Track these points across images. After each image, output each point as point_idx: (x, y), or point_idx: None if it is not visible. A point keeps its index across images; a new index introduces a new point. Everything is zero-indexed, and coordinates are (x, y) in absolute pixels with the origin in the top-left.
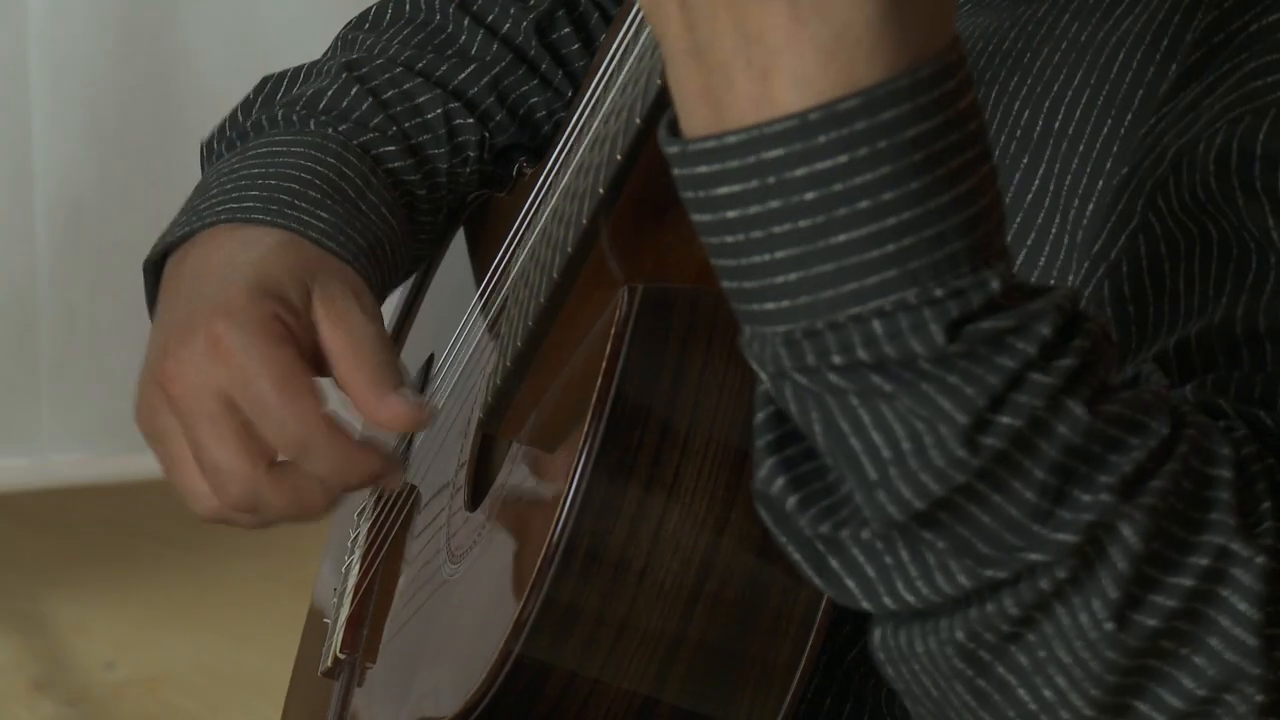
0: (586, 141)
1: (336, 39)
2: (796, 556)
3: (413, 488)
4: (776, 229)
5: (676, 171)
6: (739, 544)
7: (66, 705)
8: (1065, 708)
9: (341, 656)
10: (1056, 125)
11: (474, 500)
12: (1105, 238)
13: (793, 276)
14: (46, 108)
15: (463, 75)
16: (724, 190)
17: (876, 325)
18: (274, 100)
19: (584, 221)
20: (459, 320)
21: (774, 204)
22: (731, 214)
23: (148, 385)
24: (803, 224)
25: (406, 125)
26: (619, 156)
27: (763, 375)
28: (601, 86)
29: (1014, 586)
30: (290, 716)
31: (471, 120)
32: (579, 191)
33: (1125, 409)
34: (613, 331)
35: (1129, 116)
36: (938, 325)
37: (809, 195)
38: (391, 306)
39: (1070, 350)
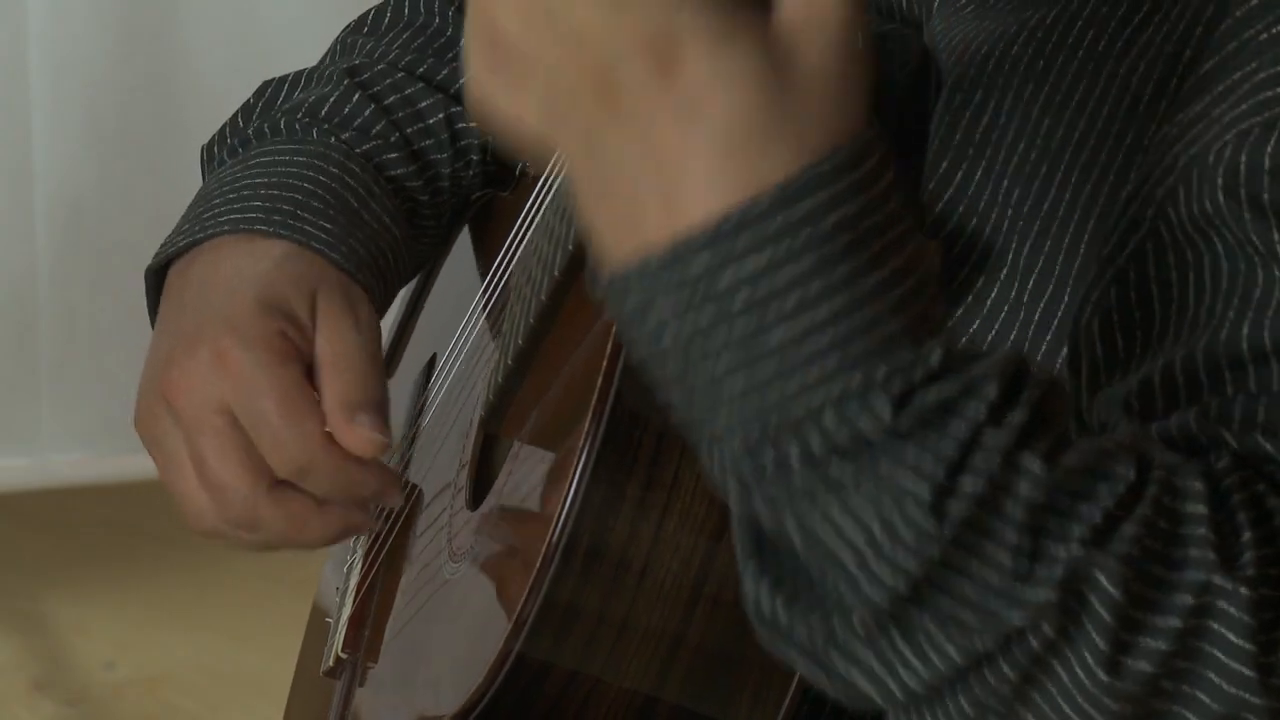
0: None
1: (335, 42)
2: (805, 666)
3: (415, 487)
4: (711, 342)
5: (611, 313)
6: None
7: (66, 705)
8: None
9: (343, 656)
10: (1077, 135)
11: (475, 500)
12: (1114, 243)
13: (739, 384)
14: (46, 108)
15: (464, 79)
16: (655, 316)
17: (827, 417)
18: (274, 106)
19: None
20: (462, 319)
21: (706, 316)
22: (668, 338)
23: (150, 392)
24: (737, 330)
25: (409, 131)
26: None
27: (732, 499)
28: None
29: (1006, 653)
30: (293, 716)
31: (474, 123)
32: None
33: (1085, 458)
34: (613, 331)
35: (1142, 125)
36: (883, 402)
37: (738, 299)
38: (395, 306)
39: (1020, 405)
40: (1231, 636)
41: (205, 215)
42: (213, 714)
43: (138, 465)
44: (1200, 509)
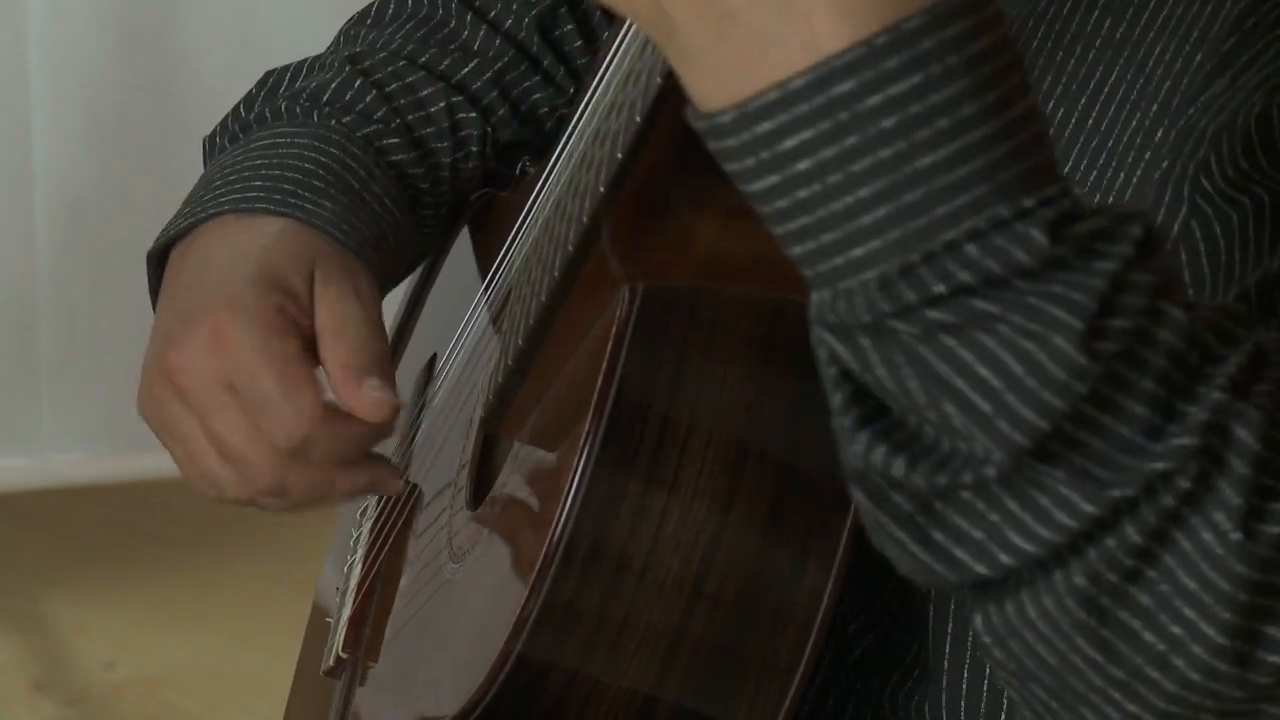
0: (588, 138)
1: (339, 34)
2: (900, 536)
3: (415, 487)
4: (856, 166)
5: (732, 141)
6: (739, 543)
7: (66, 705)
8: (1197, 640)
9: (344, 656)
10: (1090, 123)
11: (475, 499)
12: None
13: (880, 212)
14: (46, 108)
15: (465, 70)
16: (792, 142)
17: (972, 249)
18: (276, 94)
19: (585, 220)
20: (462, 319)
21: (851, 140)
22: (803, 165)
23: (152, 375)
24: (884, 154)
25: (410, 118)
26: (619, 155)
27: (839, 347)
28: (603, 83)
29: (1135, 510)
30: (293, 716)
31: (474, 114)
32: (580, 189)
33: (1218, 316)
34: (613, 331)
35: (1162, 110)
36: (1038, 231)
37: (887, 122)
38: (394, 306)
39: (1160, 251)
40: None
41: (205, 197)
42: (213, 714)
43: (138, 465)
44: None
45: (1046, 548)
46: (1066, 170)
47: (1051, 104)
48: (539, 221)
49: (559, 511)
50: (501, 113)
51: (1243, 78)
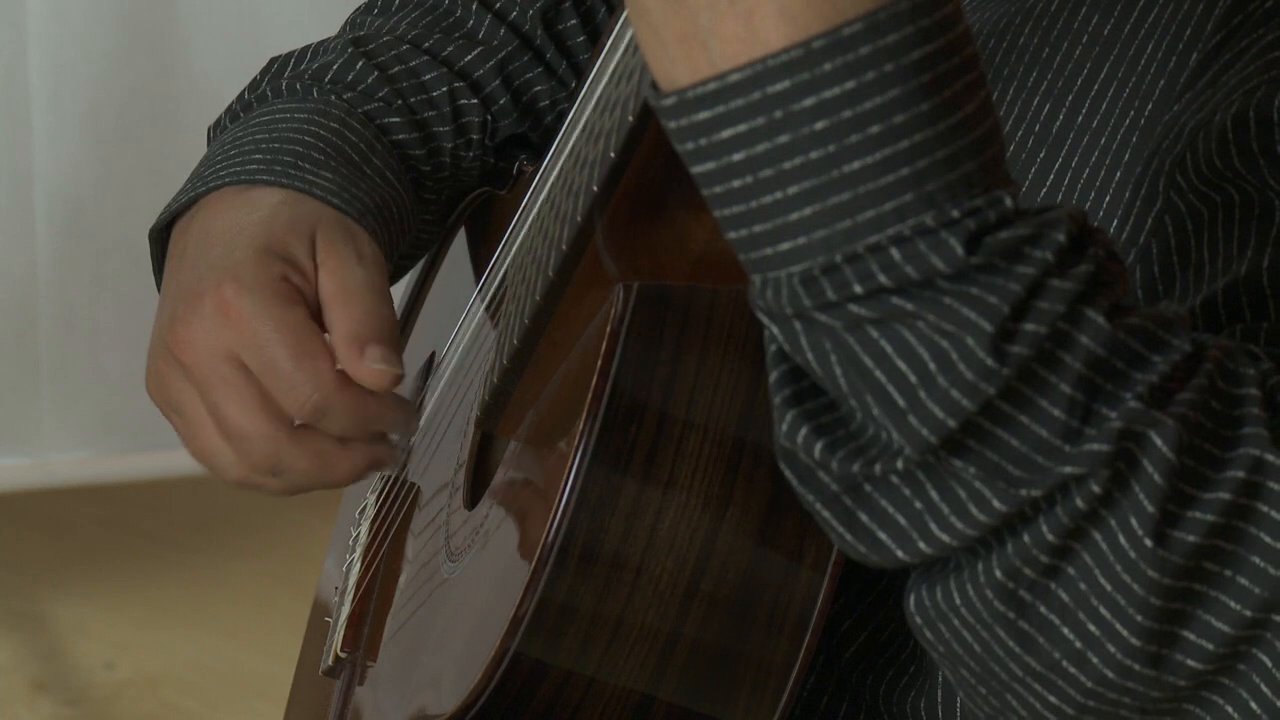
0: (581, 136)
1: (345, 23)
2: (825, 515)
3: (413, 485)
4: (787, 164)
5: (673, 124)
6: (735, 542)
7: (66, 705)
8: (1112, 639)
9: (343, 655)
10: (1079, 120)
11: (472, 499)
12: (1132, 224)
13: (807, 211)
14: (46, 108)
15: (469, 57)
16: (728, 133)
17: (895, 252)
18: (281, 76)
19: (578, 219)
20: (459, 318)
21: (783, 138)
22: (738, 156)
23: (158, 353)
24: (814, 155)
25: (412, 100)
26: (612, 154)
27: (773, 328)
28: (597, 80)
29: (1050, 509)
30: (293, 715)
31: (476, 101)
32: (573, 188)
33: (1147, 323)
34: (608, 330)
35: (1150, 107)
36: (956, 240)
37: (819, 125)
38: (395, 304)
39: (1085, 257)
40: None
41: (206, 173)
42: (213, 714)
43: (138, 465)
44: (1254, 391)
45: (963, 539)
46: (1059, 162)
47: (1038, 99)
48: (533, 220)
49: (554, 511)
50: (503, 102)
51: (1225, 76)
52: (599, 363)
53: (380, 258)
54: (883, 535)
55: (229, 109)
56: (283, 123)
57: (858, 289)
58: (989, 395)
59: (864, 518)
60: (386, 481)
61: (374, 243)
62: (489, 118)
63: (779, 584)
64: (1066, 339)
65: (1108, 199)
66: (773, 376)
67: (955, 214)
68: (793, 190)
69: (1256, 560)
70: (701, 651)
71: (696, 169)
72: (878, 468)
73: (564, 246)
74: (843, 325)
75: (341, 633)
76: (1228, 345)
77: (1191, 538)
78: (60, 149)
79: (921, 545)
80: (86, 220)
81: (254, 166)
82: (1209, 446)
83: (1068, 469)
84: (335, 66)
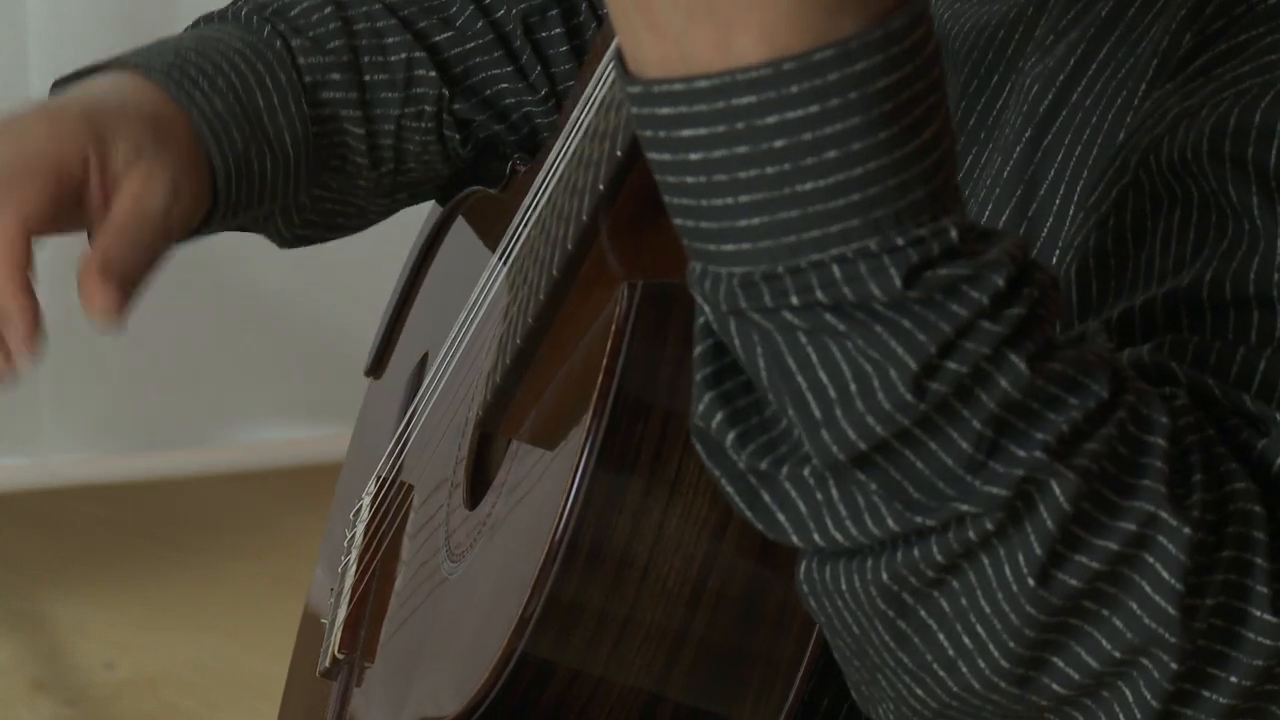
0: (584, 136)
1: None
2: (729, 490)
3: (409, 487)
4: (742, 174)
5: (635, 110)
6: (741, 540)
7: (66, 705)
8: (982, 656)
9: (340, 657)
10: (1074, 98)
11: (473, 498)
12: (1099, 193)
13: (755, 221)
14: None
15: (439, 37)
16: (688, 133)
17: (836, 270)
18: (256, 3)
19: (584, 218)
20: (455, 318)
21: (741, 149)
22: (694, 156)
23: None
24: (770, 171)
25: (365, 60)
26: (619, 153)
27: (707, 309)
28: (599, 80)
29: (941, 534)
30: (287, 718)
31: (434, 74)
32: (579, 187)
33: (1067, 368)
34: (613, 328)
35: (1143, 87)
36: (897, 271)
37: (778, 143)
38: (384, 304)
39: (1019, 299)
40: (1164, 572)
41: (132, 53)
42: (213, 714)
43: (138, 465)
44: (1161, 442)
45: (855, 542)
46: (1048, 140)
47: (1029, 80)
48: (535, 220)
49: (561, 510)
50: (462, 86)
51: (1219, 69)
52: (604, 361)
53: (194, 208)
54: (781, 518)
55: (220, 11)
56: (218, 43)
57: (794, 300)
58: (903, 426)
59: (766, 498)
60: (381, 483)
61: (201, 190)
62: (444, 93)
63: (786, 581)
64: (986, 379)
65: (1086, 172)
66: (696, 350)
67: (899, 242)
68: (744, 199)
69: (1133, 606)
70: (709, 650)
71: (652, 156)
72: (785, 468)
73: (569, 245)
74: (774, 326)
75: (339, 635)
76: (1143, 389)
77: (1074, 581)
78: None
79: (816, 537)
80: None
81: (158, 66)
82: (1108, 493)
83: (964, 507)
84: (303, 5)
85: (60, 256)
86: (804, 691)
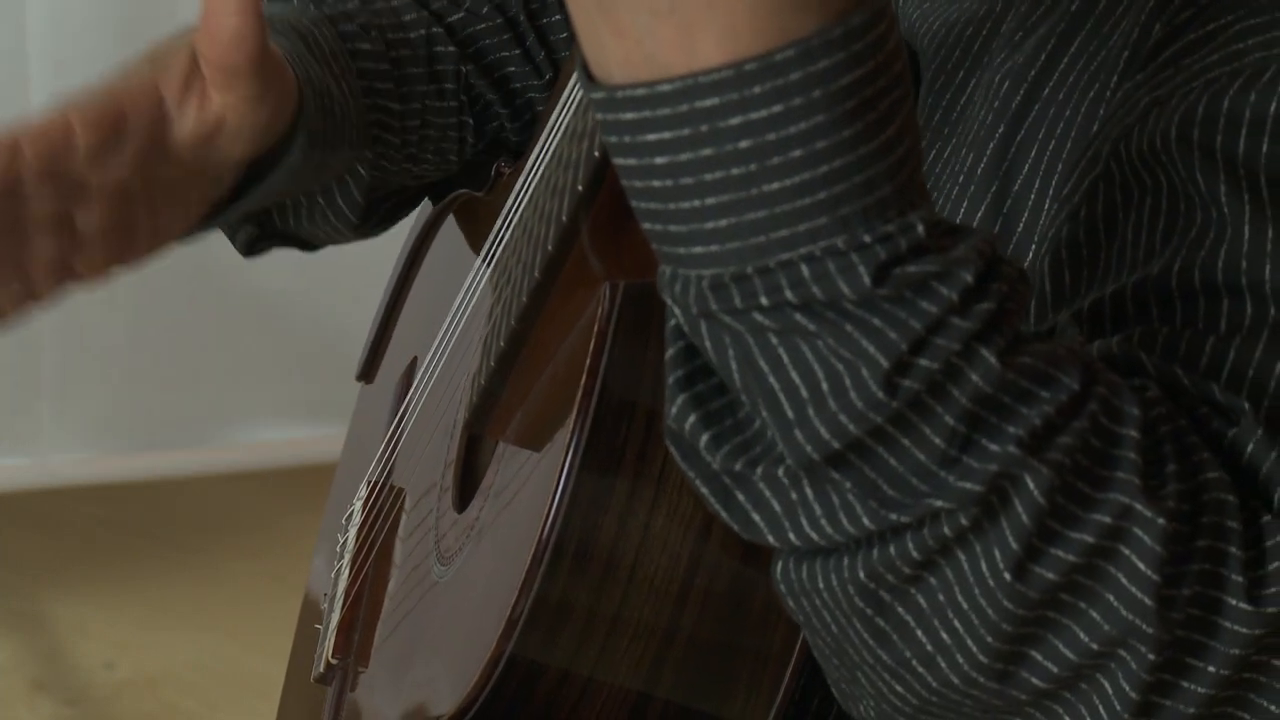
0: (565, 137)
1: None
2: (704, 491)
3: (400, 490)
4: (708, 176)
5: (600, 116)
6: (727, 538)
7: (66, 705)
8: (960, 651)
9: (334, 661)
10: (1045, 92)
11: (462, 501)
12: (1072, 183)
13: (723, 223)
14: (46, 108)
15: (453, 17)
16: (653, 137)
17: (804, 269)
18: None
19: (564, 219)
20: (442, 322)
21: (706, 151)
22: (660, 160)
23: None
24: (735, 172)
25: (390, 36)
26: (596, 154)
27: (677, 312)
28: (577, 81)
29: (917, 531)
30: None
31: (452, 49)
32: (558, 188)
33: (1037, 362)
34: (595, 329)
35: (1114, 79)
36: (865, 269)
37: (743, 144)
38: (373, 309)
39: (988, 294)
40: (1140, 564)
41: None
42: (213, 714)
43: (138, 465)
44: (1134, 434)
45: (830, 541)
46: (1021, 134)
47: (999, 77)
48: (518, 221)
49: (547, 511)
50: (478, 64)
51: (1188, 59)
52: (588, 361)
53: (277, 102)
54: (756, 518)
55: None
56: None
57: (764, 300)
58: (876, 423)
59: (740, 498)
60: (372, 488)
61: (288, 98)
62: (462, 69)
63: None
64: (958, 374)
65: (1060, 165)
66: (669, 353)
67: (867, 239)
68: (711, 201)
69: (1110, 598)
70: (697, 647)
71: (619, 161)
72: (759, 469)
73: (550, 247)
74: (745, 328)
75: (332, 639)
76: (1114, 381)
77: (1050, 575)
78: None
79: (791, 536)
80: None
81: None
82: (1082, 485)
83: (938, 503)
84: None
85: None
86: (794, 689)
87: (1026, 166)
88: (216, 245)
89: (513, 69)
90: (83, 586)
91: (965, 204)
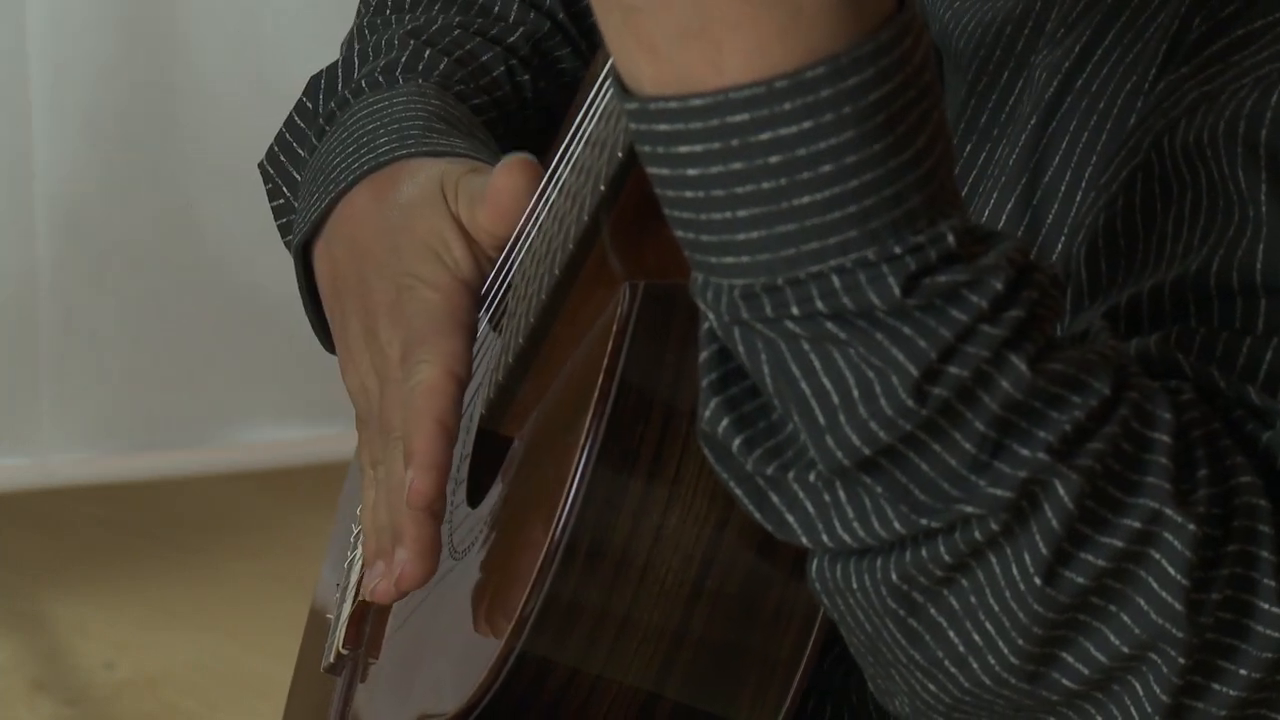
0: (589, 139)
1: (358, 29)
2: (737, 492)
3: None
4: (739, 189)
5: (633, 126)
6: (740, 540)
7: (66, 705)
8: (992, 653)
9: (344, 652)
10: (1079, 83)
11: (475, 496)
12: (1109, 173)
13: (754, 235)
14: (46, 108)
15: (513, 38)
16: (684, 149)
17: (835, 280)
18: (343, 84)
19: (585, 219)
20: None
21: (737, 165)
22: (692, 172)
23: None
24: (766, 186)
25: (482, 82)
26: (620, 154)
27: (710, 317)
28: (606, 84)
29: (948, 536)
30: (293, 712)
31: (528, 77)
32: (581, 188)
33: (1068, 367)
34: (614, 328)
35: (1153, 71)
36: (895, 279)
37: (773, 159)
38: None
39: (1019, 302)
40: (1169, 568)
41: (332, 176)
42: (213, 714)
43: (138, 465)
44: (1165, 438)
45: (862, 543)
46: (1053, 125)
47: (1038, 71)
48: (539, 220)
49: (561, 509)
50: (545, 82)
51: (1237, 55)
52: (605, 361)
53: None
54: (790, 519)
55: (290, 136)
56: (386, 110)
57: (795, 310)
58: (906, 430)
59: (774, 499)
60: None
61: None
62: (536, 92)
63: (784, 581)
64: (988, 381)
65: (1095, 156)
66: (702, 356)
67: (897, 250)
68: (742, 214)
69: (1141, 602)
70: (707, 649)
71: (651, 171)
72: (792, 474)
73: (570, 246)
74: (777, 335)
75: (343, 630)
76: (1146, 385)
77: (1081, 579)
78: (60, 149)
79: (824, 538)
80: (86, 220)
81: (383, 149)
82: (1112, 490)
83: (969, 508)
84: (404, 59)
85: (61, 256)
86: (801, 694)
87: (1058, 157)
88: (217, 245)
89: (565, 66)
90: (83, 586)
91: (996, 194)
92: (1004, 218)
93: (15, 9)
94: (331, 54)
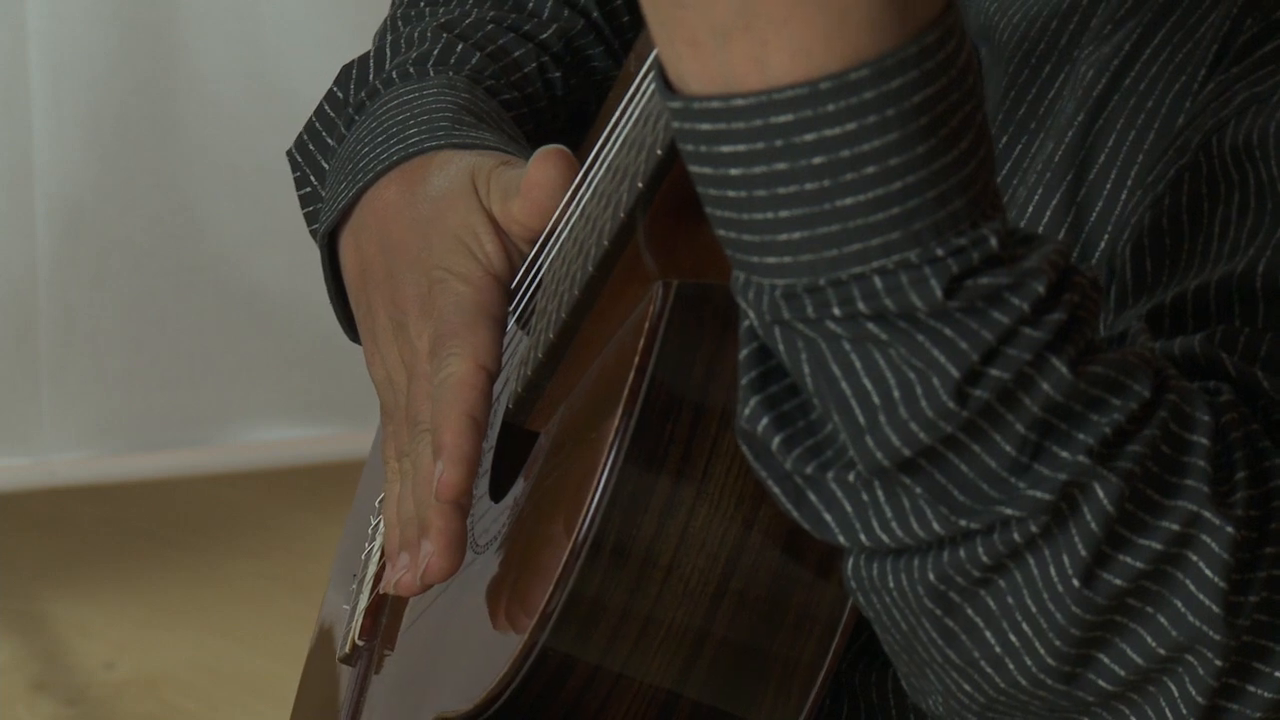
0: (625, 140)
1: (392, 19)
2: (775, 490)
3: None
4: (782, 190)
5: (676, 124)
6: (766, 542)
7: (66, 705)
8: (1029, 654)
9: (360, 643)
10: (1126, 82)
11: (498, 490)
12: (1156, 172)
13: (796, 235)
14: (46, 108)
15: (545, 35)
16: (727, 149)
17: (878, 281)
18: (374, 74)
19: (621, 215)
20: None
21: (780, 166)
22: (735, 171)
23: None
24: (809, 187)
25: (514, 77)
26: (659, 152)
27: (751, 316)
28: (642, 88)
29: (986, 537)
30: (304, 701)
31: (559, 74)
32: (616, 189)
33: (1108, 369)
34: (646, 326)
35: (1203, 72)
36: (938, 281)
37: (816, 160)
38: None
39: (1060, 305)
40: (1207, 570)
41: (360, 165)
42: (213, 714)
43: (138, 465)
44: (1204, 441)
45: (900, 543)
46: (1099, 123)
47: (1084, 67)
48: (573, 217)
49: (587, 505)
50: (576, 80)
51: None
52: (636, 359)
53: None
54: (828, 518)
55: (320, 125)
56: (417, 101)
57: (837, 311)
58: (947, 432)
59: (812, 498)
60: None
61: None
62: (569, 89)
63: (809, 585)
64: (1029, 383)
65: (1142, 155)
66: (741, 354)
67: (940, 252)
68: (784, 214)
69: (1178, 604)
70: (729, 650)
71: (694, 170)
72: (831, 473)
73: (605, 242)
74: (818, 335)
75: (359, 621)
76: (1186, 388)
77: (1119, 581)
78: (60, 149)
79: (862, 537)
80: (86, 220)
81: (413, 139)
82: (1151, 492)
83: (1009, 510)
84: (436, 52)
85: (61, 256)
86: (827, 691)
87: (1104, 155)
88: (217, 245)
89: (597, 65)
90: (83, 586)
91: (1040, 191)
92: (1048, 214)
93: (15, 9)
94: (331, 54)
